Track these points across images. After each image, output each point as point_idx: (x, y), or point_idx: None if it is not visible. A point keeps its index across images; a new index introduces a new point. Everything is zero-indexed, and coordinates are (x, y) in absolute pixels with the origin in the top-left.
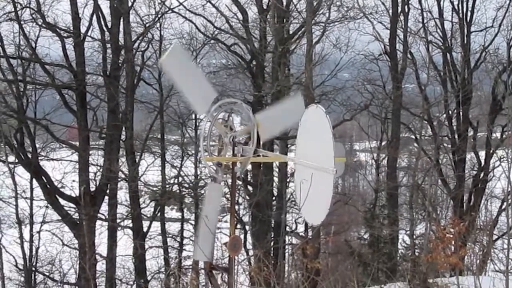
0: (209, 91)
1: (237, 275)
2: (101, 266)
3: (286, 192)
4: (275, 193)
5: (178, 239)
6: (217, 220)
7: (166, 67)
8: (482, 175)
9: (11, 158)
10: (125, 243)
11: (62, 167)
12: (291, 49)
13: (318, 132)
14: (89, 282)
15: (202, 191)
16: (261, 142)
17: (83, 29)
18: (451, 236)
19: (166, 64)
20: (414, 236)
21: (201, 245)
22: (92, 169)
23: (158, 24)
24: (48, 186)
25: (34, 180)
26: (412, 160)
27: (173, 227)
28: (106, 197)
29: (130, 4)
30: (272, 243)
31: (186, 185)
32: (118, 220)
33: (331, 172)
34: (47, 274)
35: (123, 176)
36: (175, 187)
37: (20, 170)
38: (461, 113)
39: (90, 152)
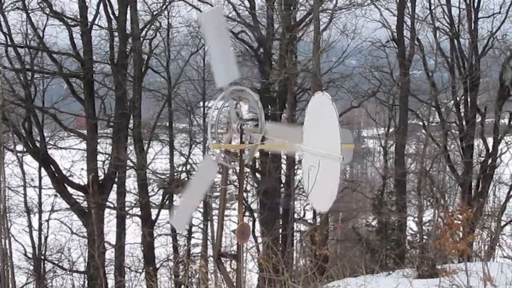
0: (234, 70)
1: (246, 262)
2: (110, 254)
3: (294, 179)
4: (283, 180)
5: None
6: (204, 195)
7: (204, 24)
8: (490, 161)
9: (20, 147)
10: (133, 231)
11: (70, 156)
12: (298, 36)
13: (325, 119)
14: (98, 270)
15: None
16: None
17: (90, 18)
18: (459, 222)
19: (205, 21)
20: (422, 223)
21: (180, 215)
22: (100, 157)
23: (165, 12)
24: (57, 174)
25: (42, 169)
26: (420, 146)
27: None
28: (115, 186)
29: None
30: (280, 230)
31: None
32: (126, 208)
33: (337, 159)
34: (56, 262)
35: (131, 164)
36: (184, 175)
37: (28, 159)
38: (468, 100)
39: (98, 140)
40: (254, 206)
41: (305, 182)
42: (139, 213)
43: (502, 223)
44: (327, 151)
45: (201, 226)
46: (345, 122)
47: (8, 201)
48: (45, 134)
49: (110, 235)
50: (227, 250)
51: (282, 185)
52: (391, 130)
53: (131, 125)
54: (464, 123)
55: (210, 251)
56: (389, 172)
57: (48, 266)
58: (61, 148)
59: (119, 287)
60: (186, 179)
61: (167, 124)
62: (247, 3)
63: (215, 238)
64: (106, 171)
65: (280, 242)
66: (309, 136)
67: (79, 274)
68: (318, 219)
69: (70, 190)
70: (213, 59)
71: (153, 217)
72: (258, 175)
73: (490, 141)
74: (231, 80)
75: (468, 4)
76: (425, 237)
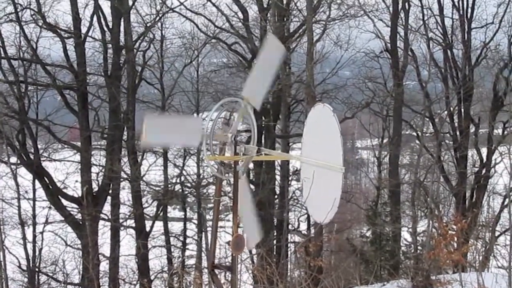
0: (261, 94)
1: (240, 274)
2: (104, 266)
3: (288, 191)
4: (277, 192)
5: (181, 238)
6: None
7: (267, 45)
8: (484, 171)
9: (13, 159)
10: (128, 243)
11: (64, 168)
12: (291, 48)
13: (326, 131)
14: (93, 282)
15: (205, 190)
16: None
17: (83, 30)
18: (454, 232)
19: (270, 43)
20: (417, 233)
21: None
22: (94, 169)
23: (159, 24)
24: (51, 187)
25: (36, 181)
26: (414, 157)
27: (176, 227)
28: (109, 197)
29: (130, 4)
30: (274, 242)
31: (189, 185)
32: (120, 220)
33: (340, 171)
34: (51, 274)
35: (125, 176)
36: (178, 187)
37: (22, 171)
38: (462, 110)
39: (92, 152)
40: None
41: (305, 194)
42: (133, 224)
43: (497, 234)
44: (328, 163)
45: (196, 237)
46: None
47: (2, 213)
48: (39, 146)
49: (104, 247)
50: (222, 262)
51: (276, 196)
52: (385, 140)
53: (125, 137)
54: (458, 133)
55: (204, 263)
56: (383, 183)
57: (43, 278)
58: (55, 160)
59: None
60: (180, 190)
61: None
62: (240, 15)
63: (209, 249)
64: (100, 183)
65: (275, 253)
66: (309, 148)
67: (73, 286)
68: (312, 230)
69: (64, 202)
70: (254, 72)
71: (147, 228)
72: (252, 186)
73: (484, 151)
74: (256, 94)
75: (461, 15)
76: (419, 247)
